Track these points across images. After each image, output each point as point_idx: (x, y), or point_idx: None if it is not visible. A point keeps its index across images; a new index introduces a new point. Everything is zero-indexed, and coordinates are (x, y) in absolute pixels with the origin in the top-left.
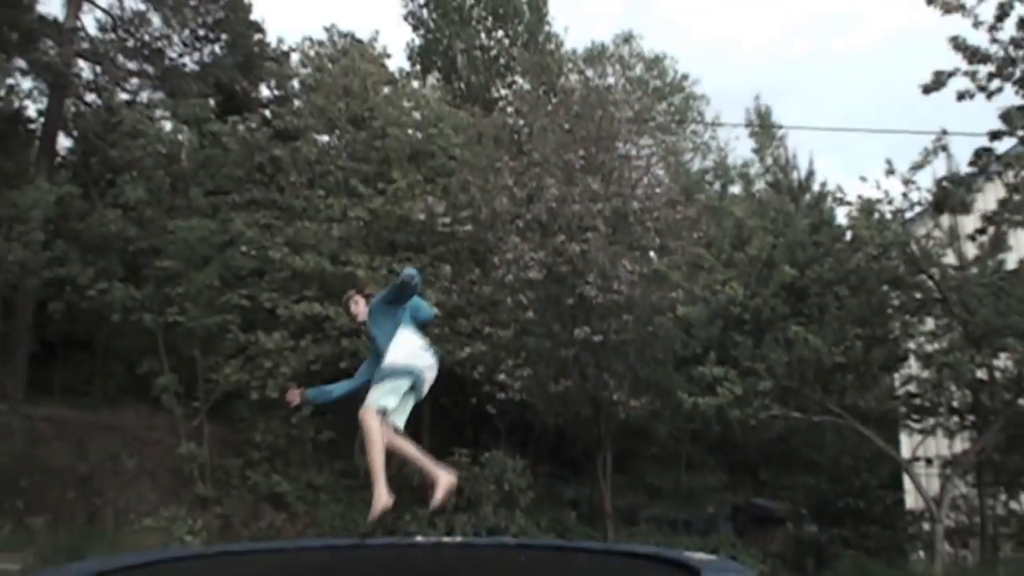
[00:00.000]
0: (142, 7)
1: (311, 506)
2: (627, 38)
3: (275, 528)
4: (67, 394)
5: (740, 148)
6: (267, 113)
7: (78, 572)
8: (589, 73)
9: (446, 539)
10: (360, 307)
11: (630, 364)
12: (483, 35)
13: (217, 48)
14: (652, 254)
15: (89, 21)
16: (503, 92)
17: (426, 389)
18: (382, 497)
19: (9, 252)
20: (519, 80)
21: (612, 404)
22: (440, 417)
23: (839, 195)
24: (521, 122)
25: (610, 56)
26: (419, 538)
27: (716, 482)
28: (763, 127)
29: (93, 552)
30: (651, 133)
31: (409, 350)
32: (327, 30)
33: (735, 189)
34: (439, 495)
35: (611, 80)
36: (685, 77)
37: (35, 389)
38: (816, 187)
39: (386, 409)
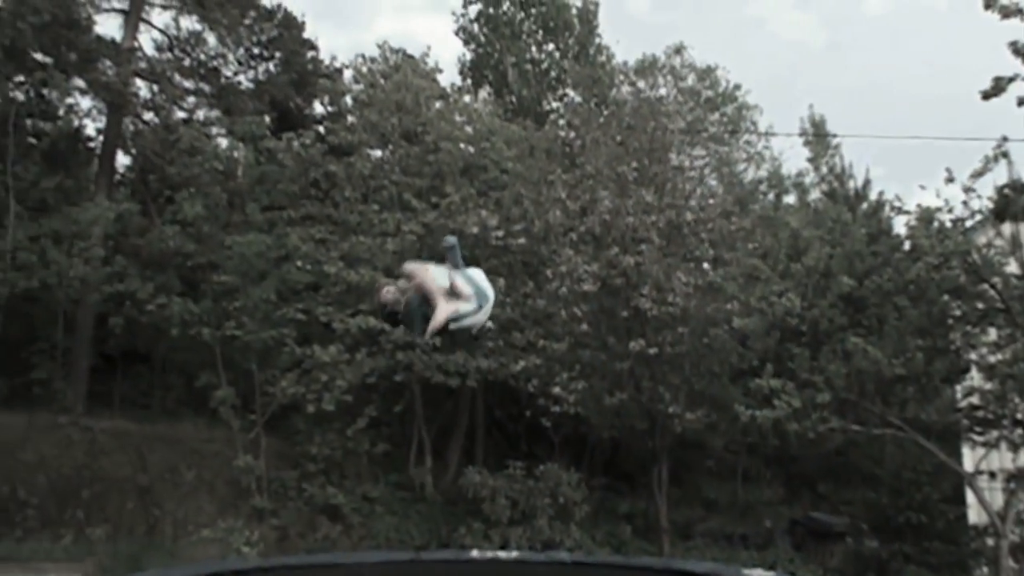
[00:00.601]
0: (198, 27)
1: (366, 518)
2: (678, 49)
3: (331, 540)
4: (127, 407)
5: (794, 158)
6: (321, 129)
7: None
8: (640, 84)
9: (501, 554)
10: (391, 295)
11: (685, 376)
12: (534, 48)
13: (271, 66)
14: (707, 265)
15: (146, 41)
16: (554, 105)
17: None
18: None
19: (71, 268)
20: (570, 93)
21: (667, 417)
22: (494, 430)
23: (897, 204)
24: (573, 135)
25: (661, 67)
26: (474, 552)
27: (773, 495)
28: (817, 136)
29: (152, 562)
30: (704, 144)
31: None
32: (379, 46)
33: (790, 199)
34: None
35: (663, 91)
36: (737, 87)
37: (96, 402)
38: (873, 196)
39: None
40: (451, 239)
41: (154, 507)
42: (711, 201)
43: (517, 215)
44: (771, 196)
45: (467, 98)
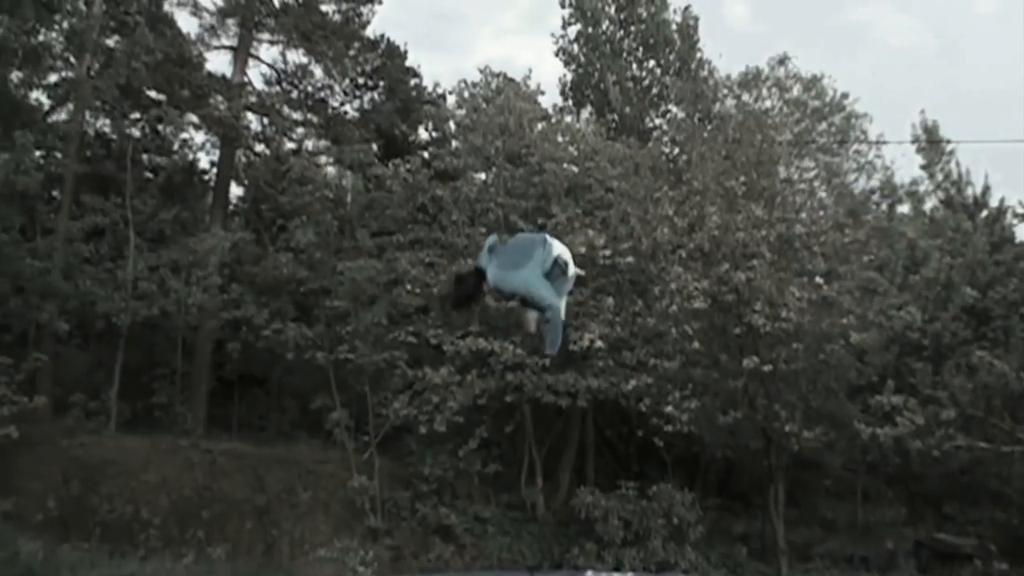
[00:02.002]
0: (304, 60)
1: (478, 538)
2: (782, 60)
3: (443, 560)
4: (244, 429)
5: (907, 166)
6: (426, 155)
7: None
8: (745, 97)
9: (616, 575)
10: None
11: (801, 394)
12: (634, 66)
13: (376, 95)
14: (820, 280)
15: (255, 76)
16: (657, 122)
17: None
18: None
19: (189, 296)
20: (673, 109)
21: (783, 435)
22: (604, 449)
23: (1020, 211)
24: (678, 151)
25: (765, 79)
26: (589, 574)
27: (895, 516)
28: (931, 142)
29: None
30: (812, 155)
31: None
32: (481, 71)
33: (904, 208)
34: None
35: (768, 103)
36: (845, 96)
37: (215, 425)
38: (993, 203)
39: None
40: (492, 239)
41: (272, 527)
42: (822, 213)
43: (624, 233)
44: (884, 206)
45: (569, 118)
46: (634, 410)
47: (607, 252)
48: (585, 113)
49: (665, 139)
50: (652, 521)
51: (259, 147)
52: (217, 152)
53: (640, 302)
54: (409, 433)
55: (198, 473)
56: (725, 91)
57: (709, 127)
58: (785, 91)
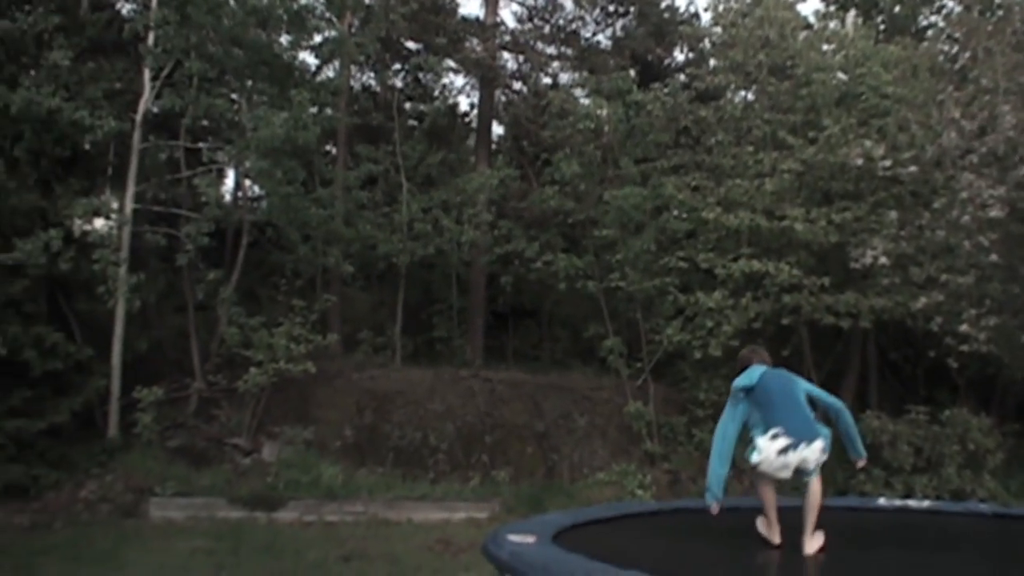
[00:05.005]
0: None
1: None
2: None
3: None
4: (519, 360)
5: None
6: (683, 77)
7: (553, 523)
8: None
9: (911, 502)
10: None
11: None
12: None
13: (628, 21)
14: None
15: (507, 15)
16: (932, 19)
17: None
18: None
19: (461, 234)
20: (949, 3)
21: None
22: (888, 373)
23: None
24: (957, 48)
25: None
26: (881, 500)
27: None
28: None
29: (552, 503)
30: None
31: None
32: None
33: None
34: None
35: None
36: None
37: (491, 356)
38: None
39: None
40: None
41: (551, 451)
42: None
43: (904, 142)
44: None
45: (833, 24)
46: (922, 330)
47: (887, 163)
48: (850, 17)
49: (943, 37)
50: (945, 447)
51: (517, 85)
52: (476, 94)
53: (927, 214)
54: (682, 359)
55: (479, 401)
56: None
57: (992, 19)
58: None
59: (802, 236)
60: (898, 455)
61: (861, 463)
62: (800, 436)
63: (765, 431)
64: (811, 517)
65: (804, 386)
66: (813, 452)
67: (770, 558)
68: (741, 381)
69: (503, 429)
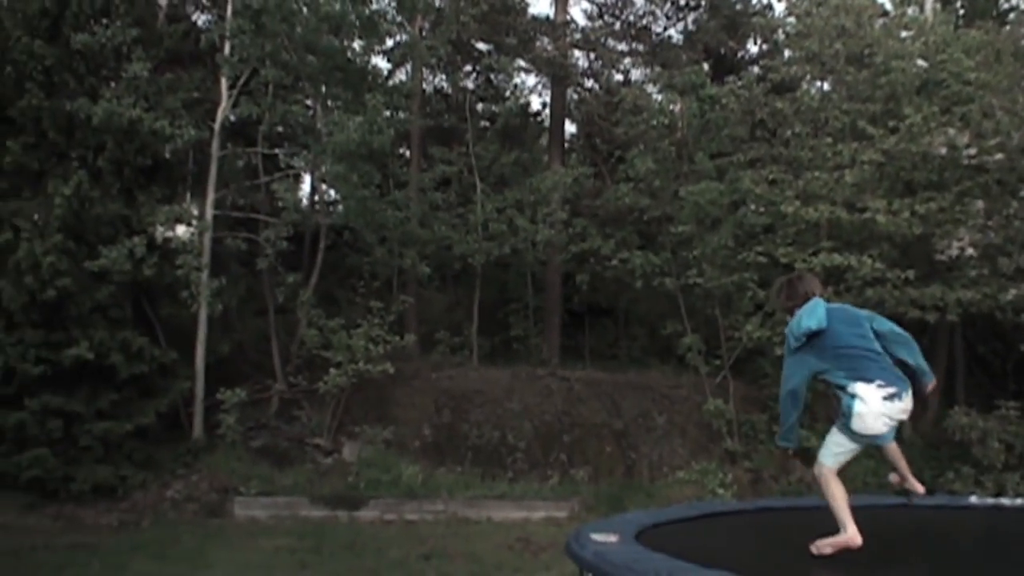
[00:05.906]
0: None
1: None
2: None
3: (805, 483)
4: (596, 358)
5: None
6: (757, 69)
7: (635, 522)
8: None
9: (1004, 500)
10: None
11: None
12: None
13: (699, 14)
14: None
15: (577, 13)
16: (1014, 2)
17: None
18: (853, 537)
19: (536, 233)
20: None
21: None
22: (976, 367)
23: None
24: None
25: None
26: (972, 498)
27: None
28: None
29: (632, 502)
30: None
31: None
32: None
33: None
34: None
35: None
36: None
37: (567, 355)
38: None
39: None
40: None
41: (630, 450)
42: None
43: (989, 129)
44: None
45: (911, 10)
46: (1011, 323)
47: (971, 151)
48: (929, 3)
49: None
50: None
51: (588, 82)
52: (548, 93)
53: (1014, 203)
54: (762, 356)
55: (557, 400)
56: None
57: None
58: None
59: (884, 228)
60: (988, 452)
61: (931, 385)
62: (899, 384)
63: (851, 381)
64: (903, 463)
65: (867, 319)
66: (908, 403)
67: (857, 557)
68: (807, 322)
69: (581, 428)
